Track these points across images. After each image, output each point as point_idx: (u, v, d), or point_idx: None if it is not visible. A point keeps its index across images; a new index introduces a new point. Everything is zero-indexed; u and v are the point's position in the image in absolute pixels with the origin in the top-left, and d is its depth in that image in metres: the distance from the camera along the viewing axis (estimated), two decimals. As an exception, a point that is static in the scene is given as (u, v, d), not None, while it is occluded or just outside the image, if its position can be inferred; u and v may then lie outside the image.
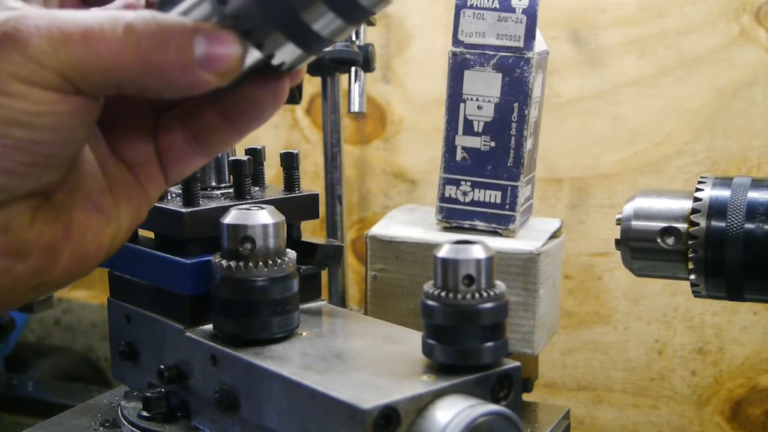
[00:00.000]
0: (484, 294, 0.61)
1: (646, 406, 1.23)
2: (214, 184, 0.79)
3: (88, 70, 0.46)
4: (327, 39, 0.50)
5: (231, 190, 0.78)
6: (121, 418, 0.76)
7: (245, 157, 0.76)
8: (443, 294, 0.61)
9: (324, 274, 0.84)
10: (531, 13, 0.85)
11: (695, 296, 0.78)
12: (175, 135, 0.53)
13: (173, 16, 0.48)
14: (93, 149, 0.52)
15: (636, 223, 0.78)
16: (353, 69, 1.02)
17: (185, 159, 0.54)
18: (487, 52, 0.86)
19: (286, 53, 0.50)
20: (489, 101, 0.87)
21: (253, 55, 0.49)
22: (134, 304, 0.77)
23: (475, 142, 0.88)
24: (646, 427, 1.24)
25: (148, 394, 0.73)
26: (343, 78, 1.08)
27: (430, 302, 0.62)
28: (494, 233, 0.88)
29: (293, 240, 0.77)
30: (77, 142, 0.49)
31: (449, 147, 0.88)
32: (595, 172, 1.22)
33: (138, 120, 0.53)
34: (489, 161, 0.87)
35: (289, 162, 0.78)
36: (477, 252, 0.61)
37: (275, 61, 0.50)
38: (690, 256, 0.75)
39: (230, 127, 0.53)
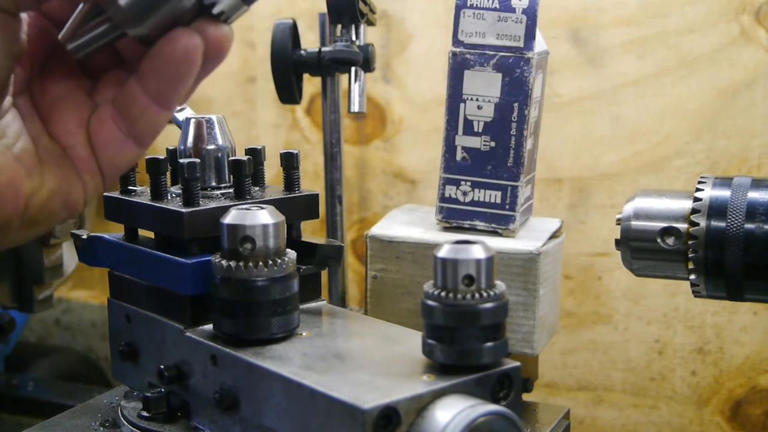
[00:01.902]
0: (484, 294, 0.61)
1: (646, 406, 1.23)
2: (214, 184, 0.79)
3: None
4: None
5: (231, 190, 0.78)
6: (121, 418, 0.76)
7: (245, 157, 0.76)
8: (443, 294, 0.61)
9: (324, 274, 0.84)
10: (531, 13, 0.85)
11: (695, 296, 0.78)
12: (103, 114, 0.56)
13: None
14: (27, 125, 0.54)
15: (636, 223, 0.78)
16: (353, 69, 1.02)
17: (114, 142, 0.56)
18: (487, 52, 0.86)
19: (226, 1, 0.53)
20: (489, 101, 0.87)
21: (185, 3, 0.52)
22: (134, 304, 0.77)
23: (475, 142, 0.88)
24: (646, 427, 1.24)
25: (148, 394, 0.73)
26: (343, 78, 1.08)
27: (430, 302, 0.62)
28: (494, 233, 0.88)
29: (293, 240, 0.77)
30: None
31: (449, 147, 0.88)
32: (595, 172, 1.22)
33: (70, 102, 0.56)
34: (489, 161, 0.87)
35: (289, 162, 0.78)
36: (477, 252, 0.61)
37: (216, 10, 0.53)
38: (690, 256, 0.75)
39: (148, 95, 0.54)
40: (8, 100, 0.54)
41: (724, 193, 0.75)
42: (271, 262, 0.67)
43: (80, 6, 0.55)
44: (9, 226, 0.54)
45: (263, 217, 0.68)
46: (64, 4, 0.57)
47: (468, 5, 0.86)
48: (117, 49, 0.58)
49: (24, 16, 0.54)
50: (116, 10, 0.53)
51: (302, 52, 1.04)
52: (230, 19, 0.54)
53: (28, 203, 0.54)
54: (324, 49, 1.04)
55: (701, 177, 0.78)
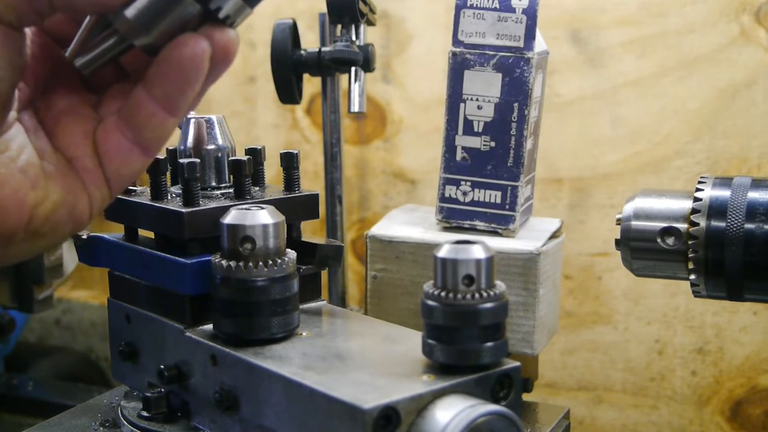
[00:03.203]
0: (484, 294, 0.61)
1: (646, 406, 1.23)
2: (214, 184, 0.79)
3: None
4: None
5: (231, 190, 0.78)
6: (121, 418, 0.76)
7: (245, 157, 0.76)
8: (443, 294, 0.61)
9: (324, 274, 0.84)
10: (531, 13, 0.85)
11: (695, 296, 0.78)
12: (109, 124, 0.56)
13: None
14: (32, 138, 0.55)
15: (636, 223, 0.78)
16: (353, 69, 1.02)
17: (121, 152, 0.56)
18: (487, 52, 0.86)
19: (231, 5, 0.53)
20: (489, 101, 0.87)
21: (190, 10, 0.53)
22: (134, 304, 0.77)
23: (475, 142, 0.88)
24: (646, 427, 1.24)
25: (148, 394, 0.73)
26: (343, 78, 1.08)
27: (430, 302, 0.62)
28: (494, 233, 0.88)
29: (293, 240, 0.77)
30: None
31: (449, 147, 0.88)
32: (595, 172, 1.23)
33: (75, 115, 0.56)
34: (489, 161, 0.87)
35: (289, 162, 0.78)
36: (477, 252, 0.61)
37: (222, 14, 0.53)
38: (690, 256, 0.75)
39: (155, 101, 0.54)
40: (12, 114, 0.54)
41: (724, 193, 0.75)
42: (271, 262, 0.67)
43: (86, 21, 0.56)
44: (13, 238, 0.54)
45: (263, 217, 0.68)
46: (67, 21, 0.57)
47: (468, 5, 0.86)
48: (120, 62, 0.58)
49: (27, 32, 0.54)
50: (123, 21, 0.53)
51: (302, 52, 1.04)
52: (235, 23, 0.55)
53: (33, 215, 0.54)
54: (324, 49, 1.04)
55: (701, 177, 0.78)
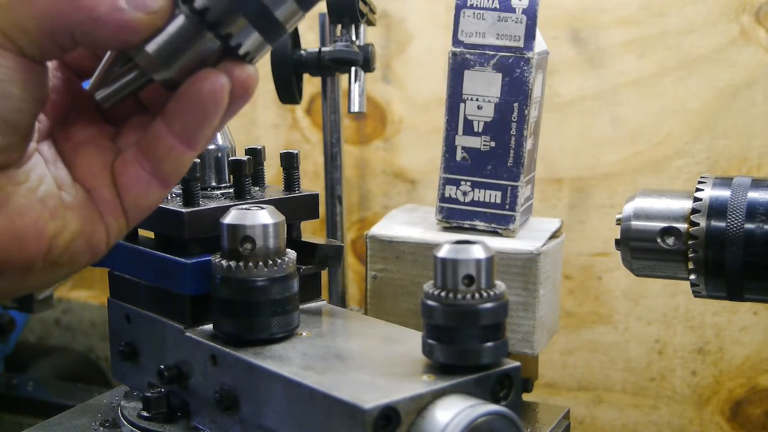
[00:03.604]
0: (484, 294, 0.61)
1: (646, 406, 1.23)
2: (214, 184, 0.79)
3: (21, 16, 0.49)
4: (282, 24, 0.54)
5: (231, 190, 0.78)
6: (121, 418, 0.76)
7: (245, 157, 0.76)
8: (443, 294, 0.61)
9: (324, 274, 0.84)
10: (531, 13, 0.85)
11: (695, 296, 0.78)
12: (128, 156, 0.56)
13: None
14: (51, 169, 0.55)
15: (636, 223, 0.78)
16: (353, 69, 1.02)
17: (139, 183, 0.56)
18: (487, 52, 0.86)
19: (251, 42, 0.54)
20: (489, 101, 0.87)
21: (210, 46, 0.53)
22: (134, 304, 0.77)
23: (475, 142, 0.88)
24: (646, 427, 1.24)
25: (148, 394, 0.73)
26: (343, 78, 1.08)
27: (430, 302, 0.62)
28: (494, 233, 0.88)
29: (293, 240, 0.77)
30: (14, 102, 0.50)
31: (449, 147, 0.88)
32: (595, 172, 1.23)
33: (94, 147, 0.57)
34: (489, 161, 0.87)
35: (289, 162, 0.78)
36: (477, 252, 0.61)
37: (241, 51, 0.54)
38: (690, 256, 0.75)
39: (174, 135, 0.55)
40: (32, 145, 0.54)
41: (724, 193, 0.75)
42: (271, 262, 0.67)
43: (107, 56, 0.56)
44: (32, 268, 0.54)
45: (263, 217, 0.68)
46: (88, 55, 0.57)
47: (468, 5, 0.86)
48: (139, 96, 0.59)
49: (49, 66, 0.54)
50: (143, 57, 0.53)
51: (302, 52, 1.04)
52: (255, 59, 0.55)
53: (52, 245, 0.54)
54: (324, 49, 1.04)
55: (701, 177, 0.78)
